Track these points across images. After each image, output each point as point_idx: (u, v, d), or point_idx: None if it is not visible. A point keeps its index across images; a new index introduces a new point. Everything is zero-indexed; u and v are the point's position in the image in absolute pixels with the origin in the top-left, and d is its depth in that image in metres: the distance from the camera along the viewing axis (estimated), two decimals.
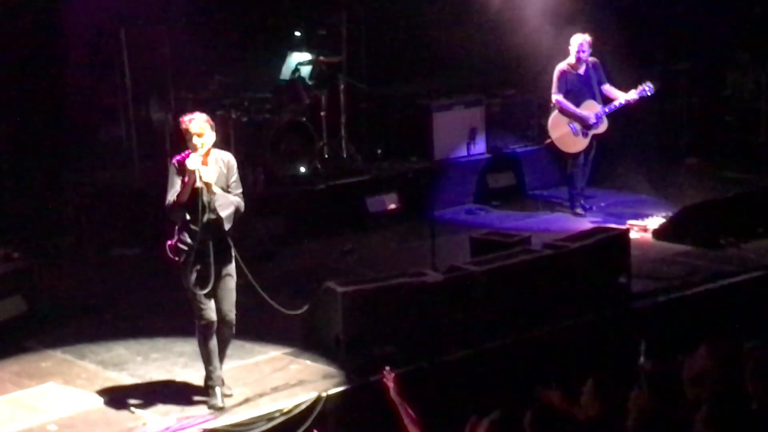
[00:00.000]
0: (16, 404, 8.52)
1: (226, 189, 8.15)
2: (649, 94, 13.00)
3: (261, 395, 8.57)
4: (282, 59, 14.14)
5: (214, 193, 8.05)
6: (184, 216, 8.10)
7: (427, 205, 12.39)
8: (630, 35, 14.40)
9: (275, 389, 8.64)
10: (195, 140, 8.01)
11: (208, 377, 8.38)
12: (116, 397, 8.56)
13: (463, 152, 14.18)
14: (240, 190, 8.25)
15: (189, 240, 8.12)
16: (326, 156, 13.51)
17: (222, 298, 8.26)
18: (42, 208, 11.89)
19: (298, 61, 13.92)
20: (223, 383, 8.43)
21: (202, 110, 12.41)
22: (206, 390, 8.41)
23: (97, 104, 12.93)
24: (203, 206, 7.99)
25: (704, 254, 11.63)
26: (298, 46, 14.22)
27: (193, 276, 8.11)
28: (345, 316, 9.04)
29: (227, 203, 8.11)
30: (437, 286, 9.42)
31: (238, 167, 8.35)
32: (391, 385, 6.81)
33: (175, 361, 9.02)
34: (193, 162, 7.97)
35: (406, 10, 14.77)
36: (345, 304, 9.04)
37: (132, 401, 8.47)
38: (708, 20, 14.98)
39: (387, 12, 14.71)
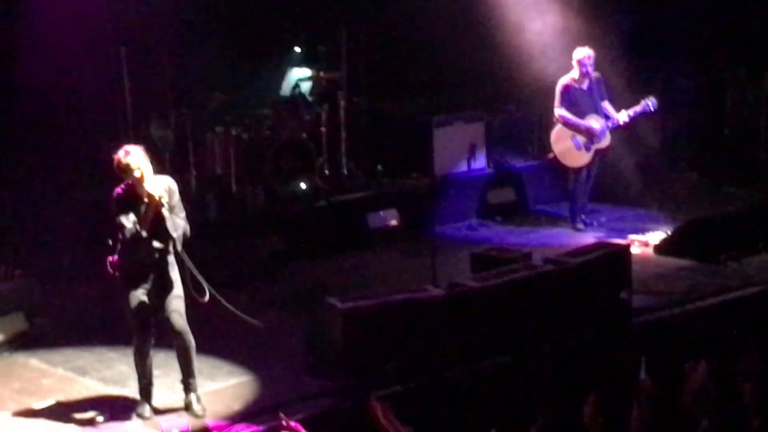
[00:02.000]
0: None
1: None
2: (652, 109, 13.06)
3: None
4: (282, 76, 14.17)
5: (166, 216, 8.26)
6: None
7: (428, 221, 12.38)
8: (632, 52, 14.42)
9: (277, 406, 8.61)
10: (137, 173, 8.18)
11: (141, 389, 8.61)
12: (118, 414, 8.57)
13: (464, 168, 14.18)
14: (183, 213, 8.43)
15: (135, 260, 8.32)
16: (326, 173, 13.51)
17: (168, 307, 8.42)
18: (43, 226, 11.87)
19: (299, 77, 13.95)
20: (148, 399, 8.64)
21: (203, 127, 12.74)
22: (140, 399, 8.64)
23: (98, 122, 12.91)
24: (164, 229, 8.21)
25: (705, 269, 11.64)
26: (298, 63, 14.26)
27: (136, 296, 8.34)
28: (345, 334, 9.03)
29: (175, 225, 8.29)
30: (438, 303, 9.40)
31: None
32: (379, 413, 6.74)
33: (177, 377, 8.98)
34: (154, 188, 8.16)
35: (406, 26, 14.78)
36: (346, 321, 9.03)
37: (133, 418, 8.50)
38: (707, 37, 15.02)
39: (387, 28, 14.73)
